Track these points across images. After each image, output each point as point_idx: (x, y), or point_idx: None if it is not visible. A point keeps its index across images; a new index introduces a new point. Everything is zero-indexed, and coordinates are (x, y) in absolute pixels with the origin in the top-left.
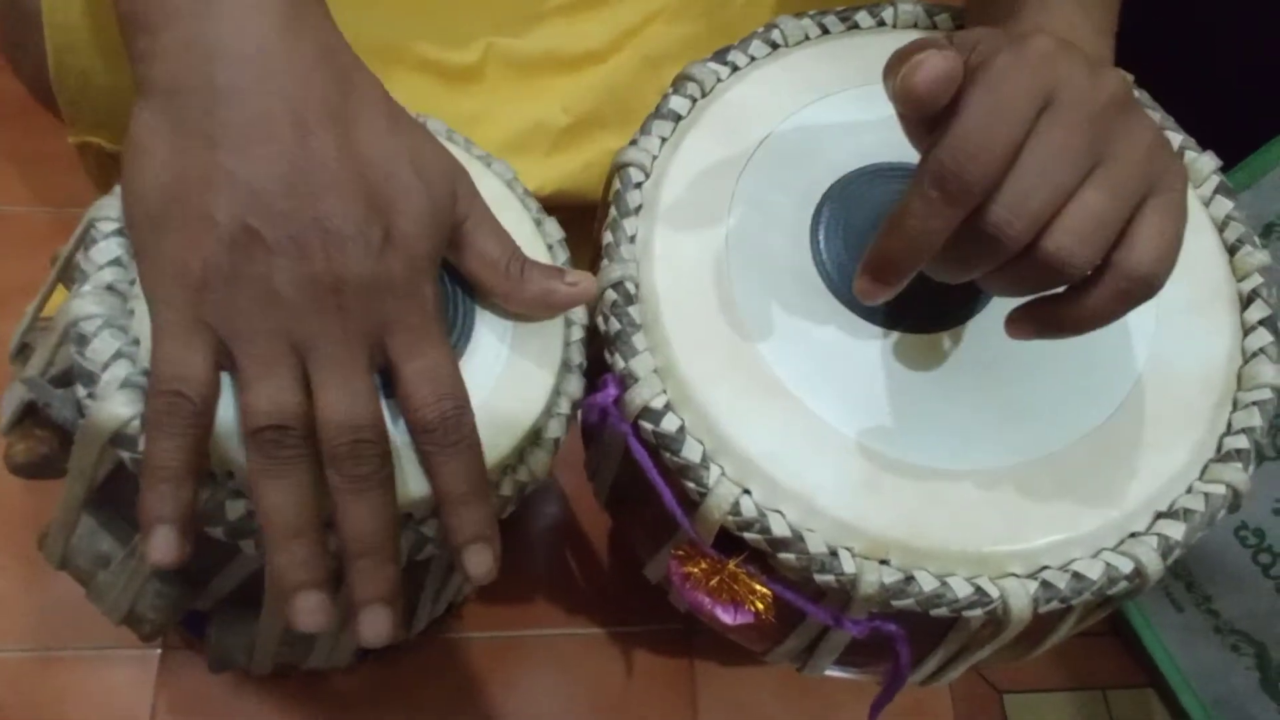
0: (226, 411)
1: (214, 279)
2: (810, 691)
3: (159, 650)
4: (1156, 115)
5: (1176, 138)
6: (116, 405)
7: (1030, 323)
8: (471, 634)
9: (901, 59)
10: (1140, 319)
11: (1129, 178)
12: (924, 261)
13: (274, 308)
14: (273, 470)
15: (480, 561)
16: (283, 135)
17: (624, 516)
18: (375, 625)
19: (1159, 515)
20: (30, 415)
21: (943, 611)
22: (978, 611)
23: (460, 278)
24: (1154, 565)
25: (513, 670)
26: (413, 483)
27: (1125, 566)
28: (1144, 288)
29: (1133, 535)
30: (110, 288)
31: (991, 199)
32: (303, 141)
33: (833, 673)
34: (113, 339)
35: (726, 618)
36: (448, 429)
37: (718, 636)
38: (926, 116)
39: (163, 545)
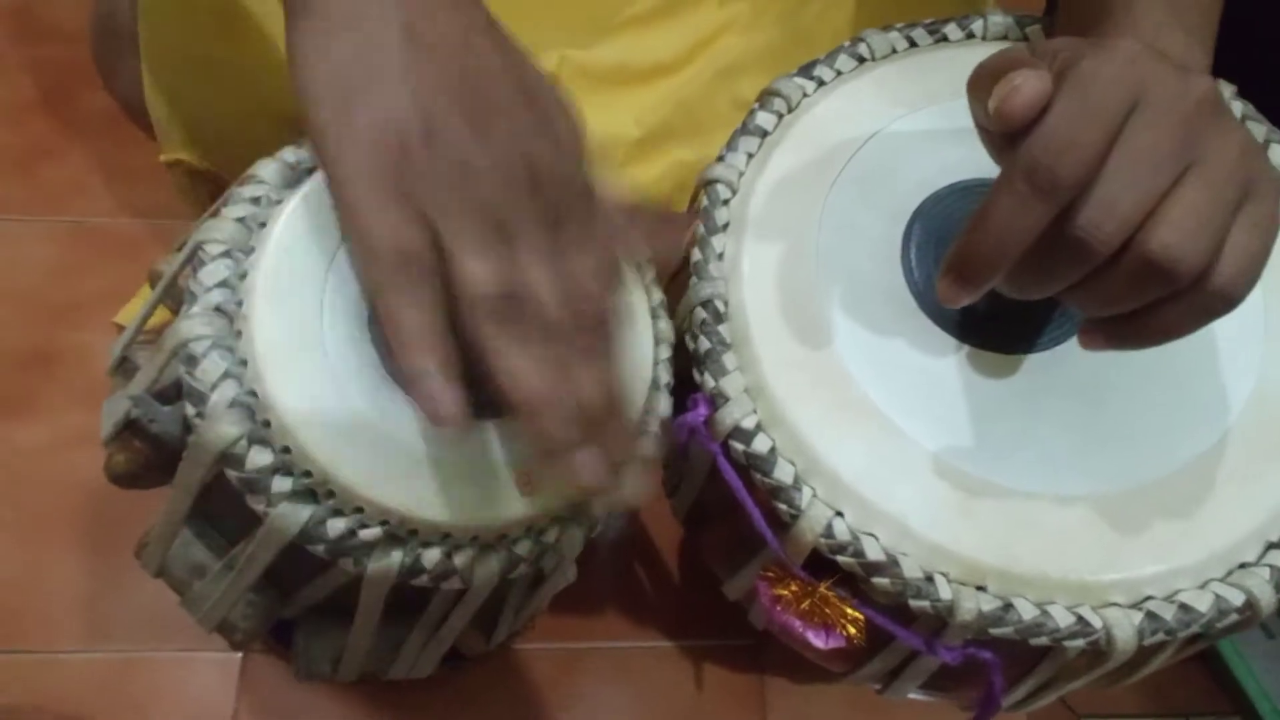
0: (327, 422)
1: (410, 164)
2: (883, 711)
3: (240, 654)
4: (1262, 129)
5: (1262, 129)
6: (225, 425)
7: (1102, 333)
8: (541, 645)
9: (990, 75)
10: (1245, 342)
11: (1224, 180)
12: (1010, 261)
13: (475, 183)
14: (516, 344)
15: (634, 480)
16: (453, 35)
17: (704, 534)
18: (635, 484)
19: (1270, 545)
20: (130, 427)
21: (1043, 641)
22: (1079, 642)
23: None
24: (1267, 597)
25: (581, 682)
26: (508, 503)
27: (1236, 598)
28: (1223, 303)
29: (1242, 566)
30: (219, 309)
31: (1080, 201)
32: (466, 43)
33: (914, 696)
34: (221, 360)
35: (819, 642)
36: (599, 327)
37: (789, 652)
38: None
39: (440, 397)
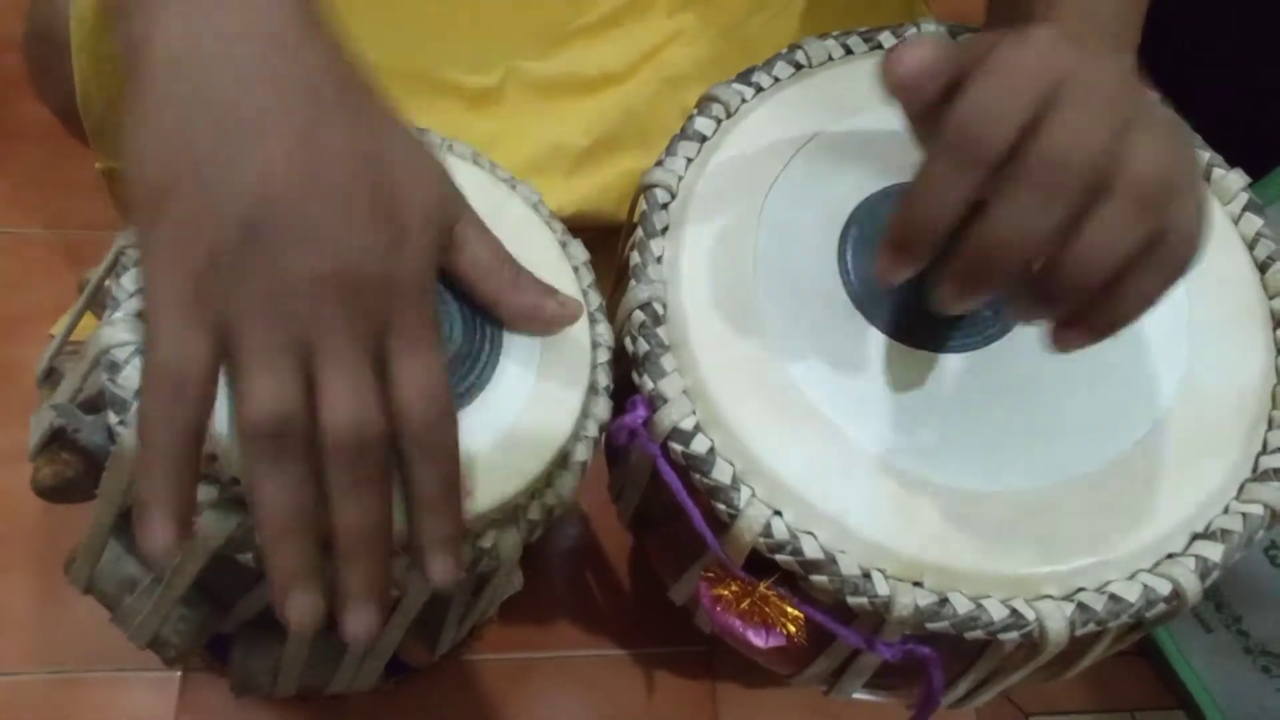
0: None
1: (220, 265)
2: (832, 714)
3: (179, 672)
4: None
5: (1204, 155)
6: None
7: (1077, 329)
8: (492, 655)
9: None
10: (1172, 338)
11: (1154, 156)
12: (944, 232)
13: (282, 299)
14: (272, 470)
15: (442, 569)
16: (292, 123)
17: (649, 538)
18: (362, 621)
19: (1196, 536)
20: (57, 439)
21: (978, 634)
22: (1013, 634)
23: (481, 306)
24: (1192, 587)
25: (533, 691)
26: None
27: (1163, 588)
28: (1179, 265)
29: (1169, 557)
30: (142, 315)
31: (1013, 186)
32: (312, 131)
33: (860, 696)
34: None
35: (758, 641)
36: (432, 434)
37: (740, 658)
38: (925, 109)
39: (158, 533)
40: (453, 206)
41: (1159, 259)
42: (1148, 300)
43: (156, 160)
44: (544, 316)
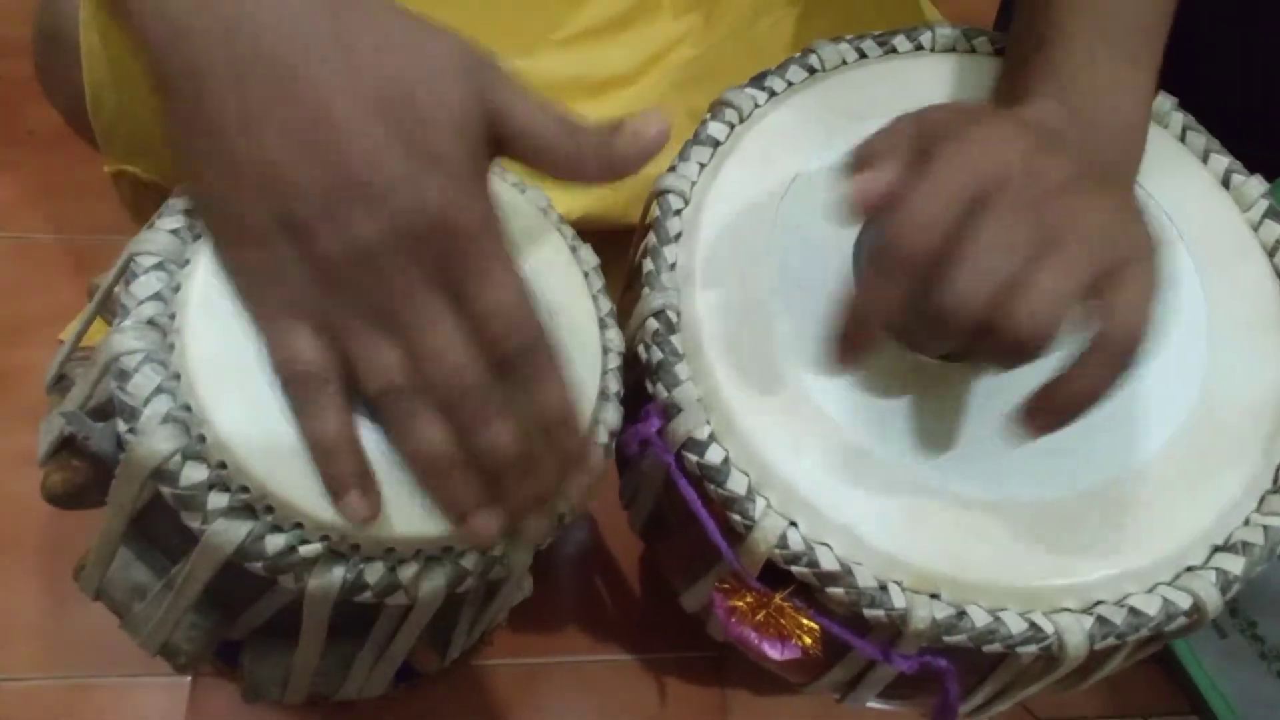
0: (264, 437)
1: (276, 276)
2: None
3: (189, 678)
4: (1201, 139)
5: (1223, 161)
6: (157, 441)
7: (1035, 416)
8: (501, 661)
9: (857, 158)
10: (1190, 347)
11: (1081, 255)
12: (878, 329)
13: (342, 283)
14: (405, 423)
15: (578, 485)
16: (280, 94)
17: (660, 545)
18: (533, 527)
19: (1216, 549)
20: (67, 446)
21: (996, 647)
22: (1032, 648)
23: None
24: (1213, 601)
25: (542, 697)
26: None
27: (1183, 602)
28: (1126, 354)
29: (1189, 569)
30: (151, 322)
31: (939, 281)
32: (305, 95)
33: (874, 705)
34: (154, 374)
35: (774, 653)
36: (530, 356)
37: (750, 664)
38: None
39: (360, 507)
40: (476, 82)
41: (1101, 357)
42: (1097, 392)
43: (197, 200)
44: (628, 168)
